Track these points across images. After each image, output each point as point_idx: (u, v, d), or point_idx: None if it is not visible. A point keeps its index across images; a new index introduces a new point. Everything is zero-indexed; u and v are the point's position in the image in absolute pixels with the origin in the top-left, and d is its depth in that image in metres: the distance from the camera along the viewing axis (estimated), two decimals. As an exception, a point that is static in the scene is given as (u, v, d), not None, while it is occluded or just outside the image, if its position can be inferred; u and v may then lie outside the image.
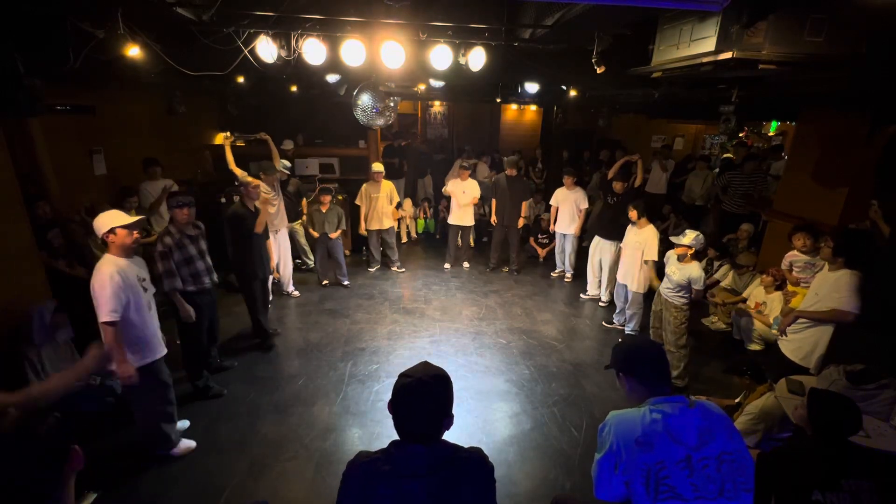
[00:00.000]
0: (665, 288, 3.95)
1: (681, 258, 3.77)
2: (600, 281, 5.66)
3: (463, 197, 6.36)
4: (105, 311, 2.46)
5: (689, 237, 3.70)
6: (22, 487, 0.98)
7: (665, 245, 4.34)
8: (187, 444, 3.08)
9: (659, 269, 4.72)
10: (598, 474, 1.46)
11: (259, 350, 4.38)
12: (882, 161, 4.24)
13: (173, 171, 6.08)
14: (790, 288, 4.29)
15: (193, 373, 3.59)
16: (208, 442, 3.17)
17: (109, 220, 2.56)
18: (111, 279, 2.48)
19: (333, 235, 5.67)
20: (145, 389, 2.75)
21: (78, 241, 4.25)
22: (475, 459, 1.35)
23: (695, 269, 3.70)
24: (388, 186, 6.09)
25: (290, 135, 7.69)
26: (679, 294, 3.82)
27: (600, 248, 5.48)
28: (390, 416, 1.34)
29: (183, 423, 3.27)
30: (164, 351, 2.88)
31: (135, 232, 2.64)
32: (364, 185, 6.08)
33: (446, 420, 1.32)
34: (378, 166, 6.05)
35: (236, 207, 4.13)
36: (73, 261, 4.13)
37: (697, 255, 3.84)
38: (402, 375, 1.33)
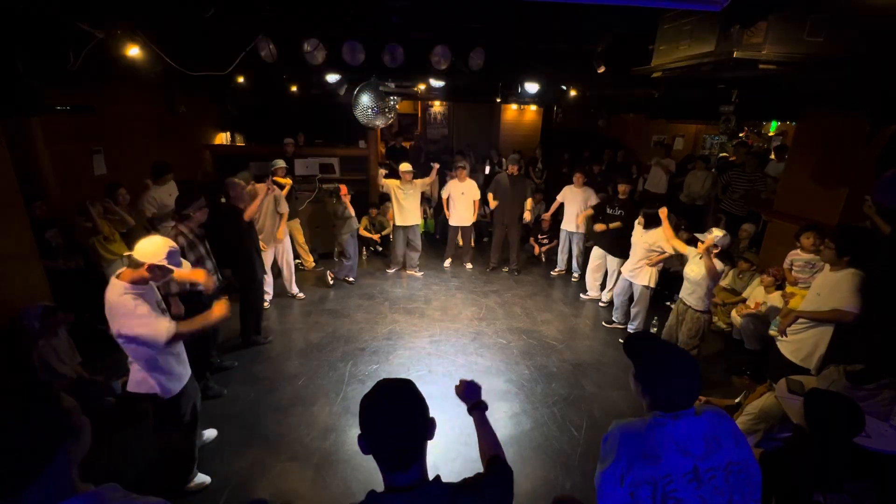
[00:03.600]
0: (684, 290, 3.89)
1: (702, 256, 3.67)
2: (602, 284, 5.67)
3: (462, 198, 6.37)
4: (163, 332, 2.23)
5: (714, 235, 3.62)
6: (12, 451, 0.95)
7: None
8: (202, 478, 2.85)
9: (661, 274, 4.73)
10: (602, 487, 1.40)
11: (258, 349, 4.38)
12: (882, 161, 4.23)
13: (174, 172, 6.08)
14: (789, 289, 4.28)
15: (196, 373, 3.58)
16: (208, 442, 3.17)
17: (160, 254, 2.28)
18: (134, 306, 2.20)
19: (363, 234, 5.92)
20: (176, 418, 2.58)
21: (81, 242, 4.25)
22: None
23: (715, 263, 3.62)
24: (419, 182, 6.10)
25: (291, 134, 7.69)
26: (699, 297, 3.74)
27: (605, 256, 5.48)
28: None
29: (210, 433, 3.19)
30: (189, 372, 2.71)
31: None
32: (395, 185, 6.06)
33: (427, 428, 1.16)
34: (406, 166, 6.01)
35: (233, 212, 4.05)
36: (70, 255, 4.13)
37: (720, 256, 3.74)
38: (366, 398, 1.17)
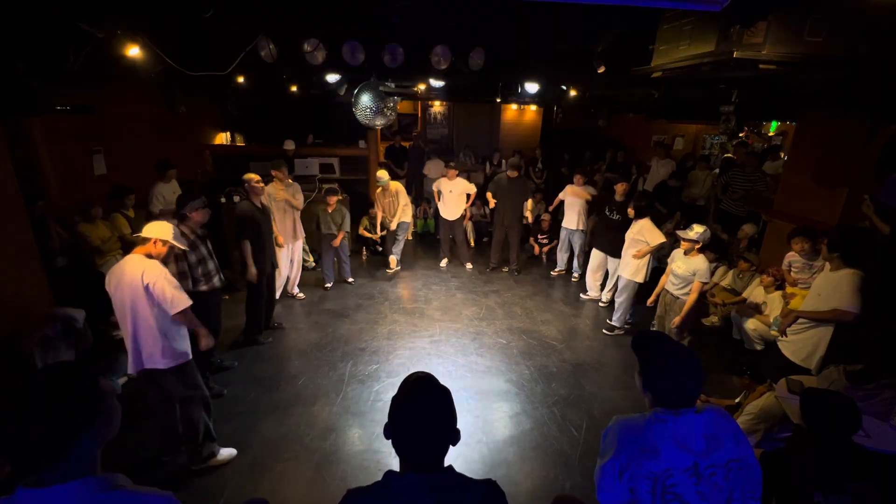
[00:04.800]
0: (671, 284, 3.99)
1: (687, 252, 3.82)
2: (602, 284, 5.67)
3: (449, 196, 6.39)
4: (181, 300, 2.57)
5: (695, 231, 3.75)
6: (48, 423, 0.99)
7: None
8: (230, 451, 3.04)
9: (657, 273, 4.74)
10: (602, 481, 1.41)
11: (258, 349, 4.38)
12: (882, 161, 4.24)
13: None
14: (789, 289, 4.28)
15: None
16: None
17: (167, 233, 2.66)
18: (166, 272, 2.57)
19: (336, 242, 5.62)
20: (194, 384, 2.80)
21: (81, 243, 4.25)
22: (487, 493, 1.23)
23: (700, 262, 3.74)
24: (394, 186, 6.18)
25: (291, 134, 7.70)
26: (685, 290, 3.85)
27: (604, 259, 5.51)
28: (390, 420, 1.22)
29: (230, 451, 3.06)
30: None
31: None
32: (377, 192, 6.26)
33: (454, 434, 1.20)
34: (382, 174, 6.09)
35: (244, 206, 4.16)
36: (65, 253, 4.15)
37: (703, 250, 3.89)
38: (406, 380, 1.23)
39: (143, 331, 2.55)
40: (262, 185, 4.28)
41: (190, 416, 2.80)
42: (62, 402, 1.01)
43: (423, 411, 1.18)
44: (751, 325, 4.46)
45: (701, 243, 3.76)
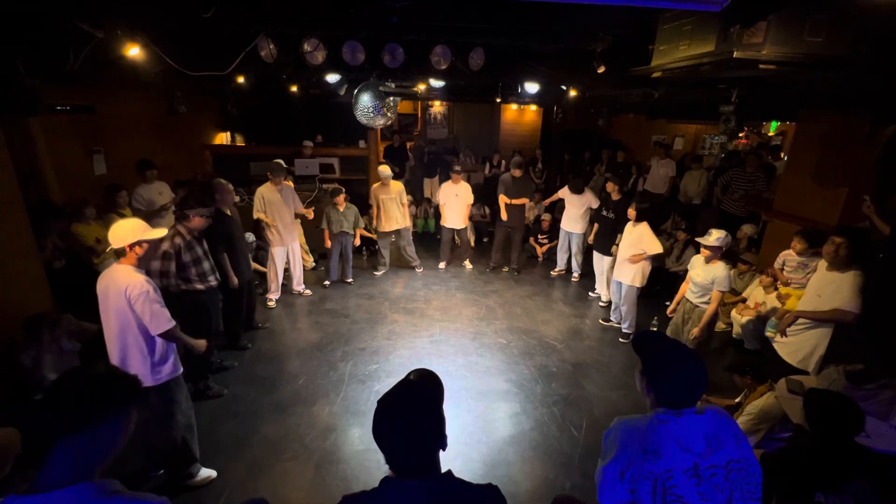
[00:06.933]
0: (690, 293, 3.86)
1: (707, 260, 3.64)
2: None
3: (455, 201, 6.34)
4: (164, 319, 2.41)
5: (714, 237, 3.57)
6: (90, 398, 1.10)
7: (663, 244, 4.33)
8: (208, 472, 2.89)
9: (659, 272, 4.73)
10: (603, 482, 1.41)
11: (258, 349, 4.38)
12: (882, 161, 4.24)
13: (173, 172, 6.09)
14: (783, 290, 4.25)
15: (197, 373, 3.57)
16: (208, 442, 3.16)
17: (134, 233, 2.40)
18: (151, 289, 2.37)
19: (357, 240, 5.89)
20: (174, 404, 2.64)
21: (74, 243, 4.24)
22: (487, 497, 1.20)
23: (720, 269, 3.56)
24: (397, 187, 6.11)
25: (294, 135, 7.72)
26: (704, 299, 3.72)
27: (601, 258, 5.54)
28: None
29: (209, 473, 2.91)
30: (180, 367, 2.72)
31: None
32: (373, 186, 6.14)
33: (441, 438, 1.16)
34: (385, 170, 6.01)
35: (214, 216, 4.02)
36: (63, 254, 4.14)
37: (725, 257, 3.70)
38: (383, 396, 1.19)
39: (132, 347, 2.42)
40: (233, 194, 4.16)
41: (168, 435, 2.65)
42: (106, 385, 1.14)
43: (403, 420, 1.13)
44: (751, 324, 4.45)
45: (724, 249, 3.58)
